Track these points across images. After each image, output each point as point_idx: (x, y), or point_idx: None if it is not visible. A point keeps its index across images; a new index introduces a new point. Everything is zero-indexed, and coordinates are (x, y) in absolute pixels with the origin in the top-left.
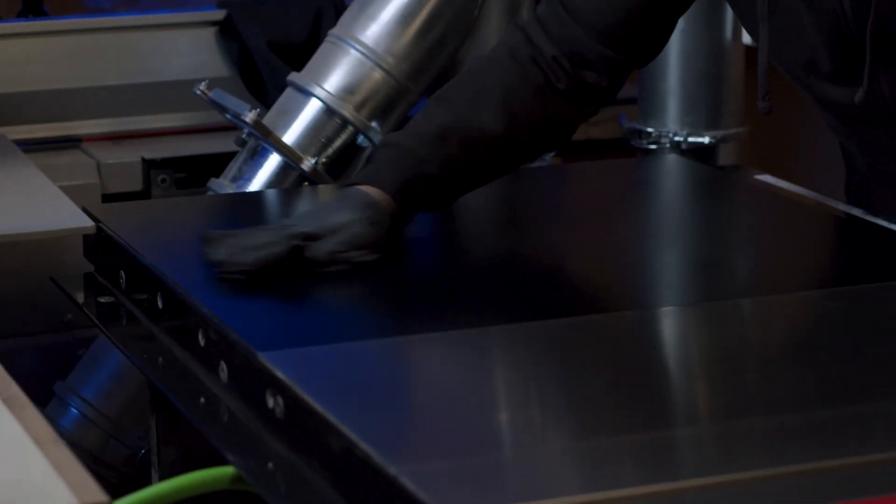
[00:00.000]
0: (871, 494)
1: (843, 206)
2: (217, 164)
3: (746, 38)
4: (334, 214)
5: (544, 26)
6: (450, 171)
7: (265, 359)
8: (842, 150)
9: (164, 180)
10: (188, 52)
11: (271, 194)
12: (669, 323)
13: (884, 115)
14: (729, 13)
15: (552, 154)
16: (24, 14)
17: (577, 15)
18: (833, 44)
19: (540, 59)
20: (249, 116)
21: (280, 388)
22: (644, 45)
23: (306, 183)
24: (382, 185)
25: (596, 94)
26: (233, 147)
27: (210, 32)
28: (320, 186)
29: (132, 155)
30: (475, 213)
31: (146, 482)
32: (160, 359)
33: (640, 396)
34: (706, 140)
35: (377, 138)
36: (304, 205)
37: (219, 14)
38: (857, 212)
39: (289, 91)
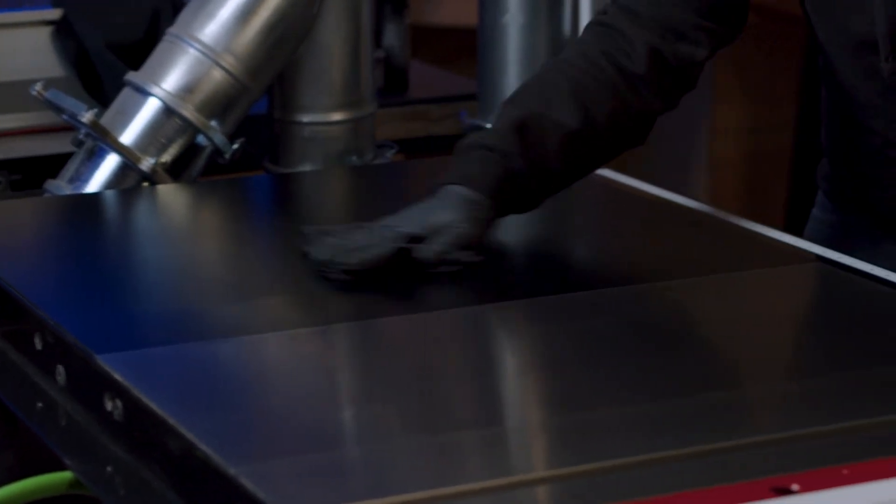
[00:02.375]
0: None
1: (681, 199)
2: (54, 165)
3: None
4: (435, 214)
5: (632, 12)
6: (534, 166)
7: (103, 361)
8: (835, 143)
9: None
10: (23, 52)
11: (110, 195)
12: (512, 317)
13: None
14: (568, 7)
15: (394, 151)
16: None
17: None
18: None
19: (617, 50)
20: (86, 117)
21: (118, 391)
22: (737, 12)
23: (146, 183)
24: (477, 184)
25: (689, 72)
26: (70, 148)
27: (46, 32)
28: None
29: None
30: (314, 211)
31: None
32: None
33: (481, 392)
34: None
35: (217, 138)
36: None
37: (54, 13)
38: (694, 204)
39: (127, 91)
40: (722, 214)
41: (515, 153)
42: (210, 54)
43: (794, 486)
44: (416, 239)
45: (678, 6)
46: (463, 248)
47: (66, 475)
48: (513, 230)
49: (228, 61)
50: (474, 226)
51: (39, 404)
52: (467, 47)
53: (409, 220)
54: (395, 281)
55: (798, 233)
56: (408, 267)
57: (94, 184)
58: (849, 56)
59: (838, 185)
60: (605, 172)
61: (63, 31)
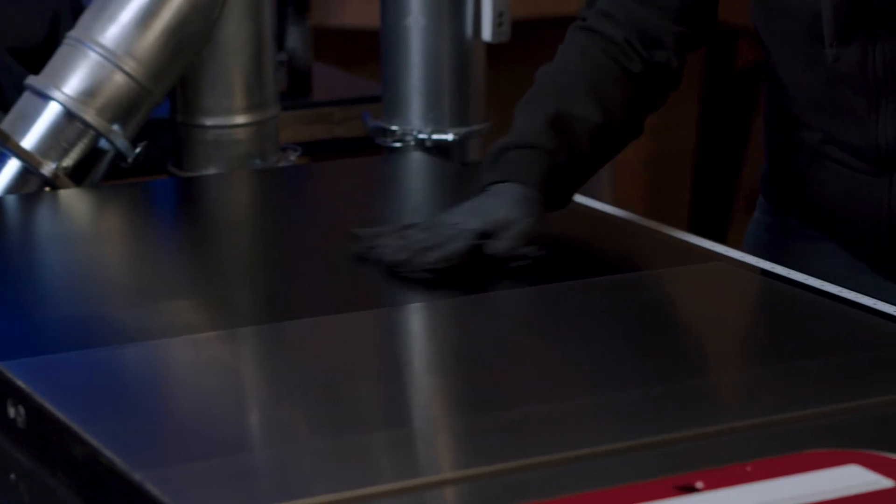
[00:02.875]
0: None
1: (583, 200)
2: None
3: (487, 34)
4: (495, 211)
5: (609, 16)
6: (571, 160)
7: (4, 368)
8: (774, 140)
9: None
10: None
11: (11, 201)
12: (419, 319)
13: (868, 83)
14: (470, 9)
15: (298, 154)
16: None
17: None
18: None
19: (611, 49)
20: None
21: (21, 398)
22: (708, 17)
23: (47, 188)
24: (527, 181)
25: (667, 75)
26: None
27: None
28: None
29: None
30: (222, 214)
31: None
32: None
33: (388, 394)
34: (450, 137)
35: (119, 142)
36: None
37: None
38: (597, 205)
39: (27, 95)
40: (625, 214)
41: (556, 149)
42: (111, 58)
43: (699, 484)
44: (485, 235)
45: (654, 13)
46: (528, 244)
47: None
48: None
49: (130, 65)
50: (536, 221)
51: None
52: (370, 49)
53: (470, 217)
54: (302, 284)
55: (700, 232)
56: (480, 263)
57: None
58: (793, 48)
59: (777, 186)
60: None
61: None
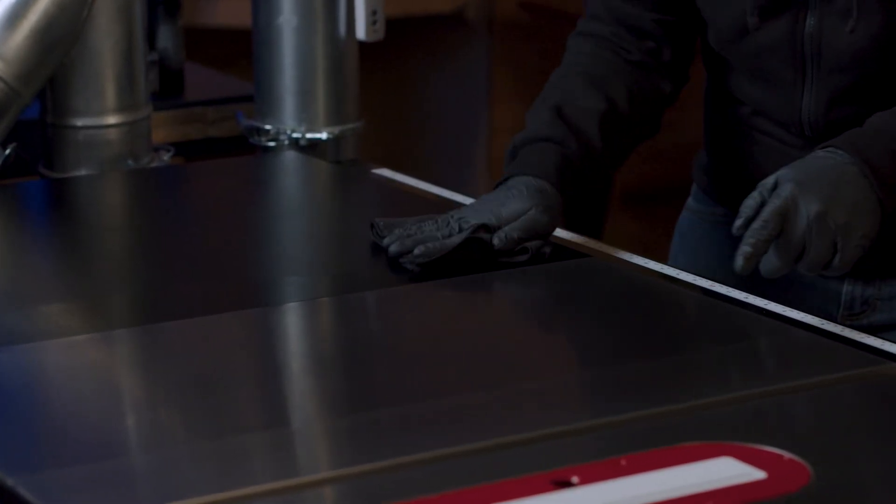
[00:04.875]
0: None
1: (458, 197)
2: None
3: (361, 32)
4: (506, 204)
5: (596, 17)
6: (584, 149)
7: None
8: (711, 118)
9: None
10: None
11: None
12: (295, 318)
13: (798, 56)
14: (343, 8)
15: (171, 154)
16: None
17: None
18: None
19: (604, 44)
20: None
21: None
22: (685, 2)
23: None
24: (540, 174)
25: (667, 66)
26: None
27: None
28: None
29: None
30: (95, 215)
31: None
32: None
33: (264, 395)
34: (324, 136)
35: None
36: None
37: None
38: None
39: None
40: None
41: (567, 138)
42: None
43: (574, 478)
44: (489, 229)
45: (633, 6)
46: (536, 236)
47: None
48: (289, 230)
49: None
50: (545, 213)
51: None
52: (242, 49)
53: (479, 211)
54: (177, 285)
55: (577, 229)
56: (481, 256)
57: None
58: (724, 17)
59: (713, 171)
60: (382, 172)
61: None
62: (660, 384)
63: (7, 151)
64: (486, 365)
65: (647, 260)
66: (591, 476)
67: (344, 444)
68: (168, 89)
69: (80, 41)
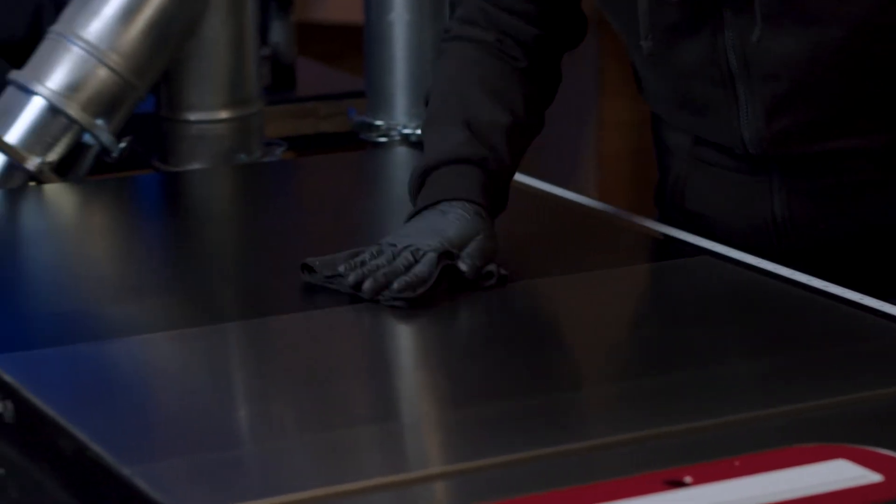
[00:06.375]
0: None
1: (569, 195)
2: None
3: None
4: (450, 229)
5: (473, 22)
6: (499, 164)
7: None
8: (657, 145)
9: None
10: None
11: None
12: (406, 314)
13: (723, 74)
14: None
15: (283, 149)
16: None
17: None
18: None
19: (490, 49)
20: None
21: (8, 392)
22: (570, 17)
23: (32, 183)
24: (472, 196)
25: (547, 71)
26: None
27: None
28: None
29: None
30: (207, 209)
31: None
32: None
33: (374, 389)
34: None
35: (104, 136)
36: None
37: None
38: (582, 199)
39: (10, 90)
40: (610, 209)
41: (486, 157)
42: (95, 53)
43: (687, 479)
44: (449, 255)
45: (511, 17)
46: (489, 261)
47: None
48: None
49: (113, 59)
50: (491, 238)
51: None
52: (353, 44)
53: (425, 238)
54: (288, 278)
55: None
56: (449, 285)
57: None
58: (632, 43)
59: (664, 197)
60: None
61: None
62: (773, 385)
63: (122, 144)
64: (599, 362)
65: (759, 259)
66: (704, 476)
67: (457, 438)
68: (280, 84)
69: (195, 36)
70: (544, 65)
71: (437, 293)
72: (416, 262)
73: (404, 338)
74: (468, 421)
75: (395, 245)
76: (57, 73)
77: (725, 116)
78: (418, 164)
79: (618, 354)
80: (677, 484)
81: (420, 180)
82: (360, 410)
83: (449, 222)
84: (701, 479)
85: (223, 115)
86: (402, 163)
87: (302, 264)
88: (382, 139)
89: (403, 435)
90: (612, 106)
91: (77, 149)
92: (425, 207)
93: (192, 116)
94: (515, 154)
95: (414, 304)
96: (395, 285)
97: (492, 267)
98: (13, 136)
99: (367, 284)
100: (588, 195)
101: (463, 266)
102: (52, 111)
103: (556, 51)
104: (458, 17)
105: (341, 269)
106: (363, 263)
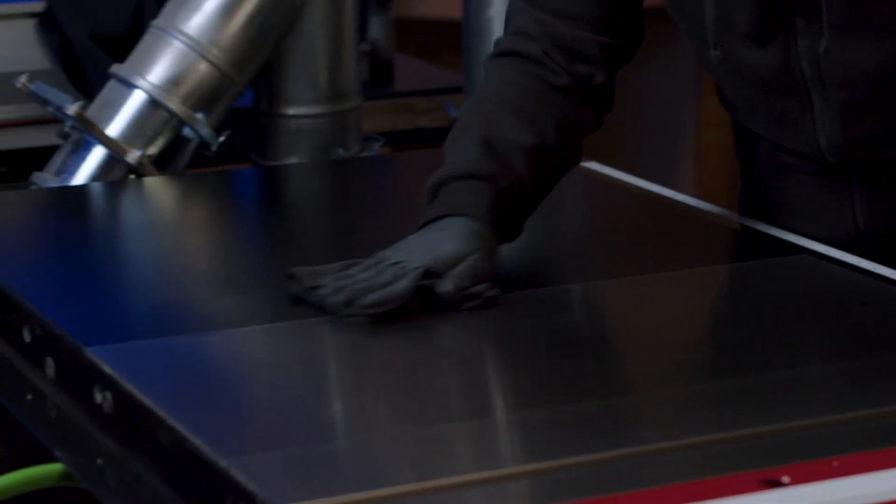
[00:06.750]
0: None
1: (668, 192)
2: (40, 157)
3: None
4: (444, 246)
5: (524, 34)
6: (514, 185)
7: (92, 353)
8: (738, 150)
9: None
10: (8, 44)
11: (97, 188)
12: (503, 310)
13: (797, 82)
14: None
15: (380, 144)
16: None
17: (554, 9)
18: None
19: (531, 67)
20: (72, 109)
21: (107, 383)
22: (632, 26)
23: (132, 176)
24: (475, 213)
25: (594, 92)
26: (56, 140)
27: (30, 24)
28: None
29: None
30: (305, 203)
31: None
32: None
33: (469, 385)
34: None
35: (203, 130)
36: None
37: (38, 6)
38: (680, 197)
39: (112, 83)
40: (708, 206)
41: (496, 175)
42: (195, 47)
43: (785, 479)
44: (431, 274)
45: (572, 26)
46: (480, 282)
47: (56, 467)
48: None
49: (213, 54)
50: (486, 257)
51: (29, 396)
52: (451, 40)
53: (416, 254)
54: None
55: None
56: (428, 303)
57: (81, 176)
58: (702, 51)
59: (750, 202)
60: (590, 165)
61: (47, 24)
62: (872, 385)
63: (221, 138)
64: (694, 360)
65: (860, 259)
66: (802, 476)
67: (549, 436)
68: (378, 79)
69: (294, 30)
70: (598, 80)
71: (412, 311)
72: (400, 277)
73: (496, 336)
74: (561, 418)
75: (387, 259)
76: (158, 67)
77: (801, 124)
78: (431, 177)
79: (714, 353)
80: (775, 484)
81: (431, 194)
82: (457, 405)
83: (445, 239)
84: (799, 479)
85: (321, 109)
86: None
87: (289, 273)
88: None
89: (497, 432)
90: (711, 103)
91: (177, 142)
92: (429, 221)
93: (291, 111)
94: (540, 177)
95: (380, 320)
96: (367, 299)
97: (478, 288)
98: (114, 129)
99: (338, 297)
100: (687, 193)
101: (442, 287)
102: (153, 105)
103: (616, 61)
104: (512, 31)
105: (324, 281)
106: (348, 277)
